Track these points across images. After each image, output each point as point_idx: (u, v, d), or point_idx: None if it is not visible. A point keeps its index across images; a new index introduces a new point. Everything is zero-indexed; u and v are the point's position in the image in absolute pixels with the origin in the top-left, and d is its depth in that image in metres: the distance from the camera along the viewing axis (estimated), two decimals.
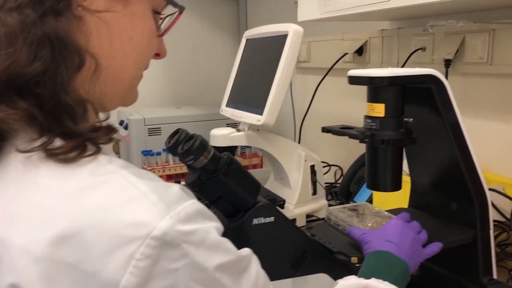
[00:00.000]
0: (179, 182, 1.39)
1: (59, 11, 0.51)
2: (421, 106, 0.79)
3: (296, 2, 1.32)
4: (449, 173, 0.81)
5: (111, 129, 0.54)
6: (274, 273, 0.67)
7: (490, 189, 1.02)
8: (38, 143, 0.49)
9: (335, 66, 1.54)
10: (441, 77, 0.73)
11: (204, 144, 0.62)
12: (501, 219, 1.03)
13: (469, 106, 1.19)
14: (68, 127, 0.50)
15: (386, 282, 0.64)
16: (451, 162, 0.79)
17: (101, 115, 0.56)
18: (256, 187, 0.66)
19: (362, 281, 0.64)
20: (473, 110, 1.18)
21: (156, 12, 0.61)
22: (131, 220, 0.44)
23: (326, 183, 1.51)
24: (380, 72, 0.71)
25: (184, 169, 1.75)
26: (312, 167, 1.32)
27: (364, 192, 1.38)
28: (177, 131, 0.65)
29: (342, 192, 1.45)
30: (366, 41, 1.47)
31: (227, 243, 0.50)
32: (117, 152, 2.33)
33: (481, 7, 1.05)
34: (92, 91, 0.53)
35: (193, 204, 0.48)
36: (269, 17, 2.18)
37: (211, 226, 0.48)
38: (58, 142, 0.49)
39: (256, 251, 0.66)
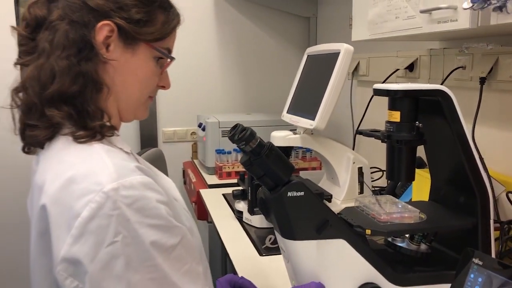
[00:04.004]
0: (244, 176, 1.64)
1: (89, 58, 0.80)
2: (435, 116, 0.96)
3: (351, 25, 1.52)
4: (458, 172, 0.96)
5: (112, 128, 0.83)
6: (302, 234, 0.88)
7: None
8: (69, 130, 0.80)
9: (388, 80, 1.70)
10: (448, 91, 0.90)
11: (253, 134, 0.85)
12: None
13: (505, 120, 1.31)
14: (88, 123, 0.80)
15: None
16: (459, 163, 0.94)
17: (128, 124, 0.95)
18: (290, 168, 0.88)
19: None
20: (509, 124, 1.29)
21: (160, 58, 0.87)
22: (95, 180, 0.71)
23: (378, 186, 1.67)
24: (396, 86, 0.89)
25: None
26: (360, 169, 1.48)
27: (408, 194, 1.54)
28: (236, 125, 0.89)
29: (388, 193, 1.60)
30: (417, 58, 1.62)
31: (157, 210, 0.72)
32: (195, 151, 2.63)
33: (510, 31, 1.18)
34: (109, 106, 0.84)
35: (140, 178, 0.73)
36: (333, 35, 2.38)
37: (149, 195, 0.72)
38: (81, 132, 0.79)
39: (290, 217, 0.88)
